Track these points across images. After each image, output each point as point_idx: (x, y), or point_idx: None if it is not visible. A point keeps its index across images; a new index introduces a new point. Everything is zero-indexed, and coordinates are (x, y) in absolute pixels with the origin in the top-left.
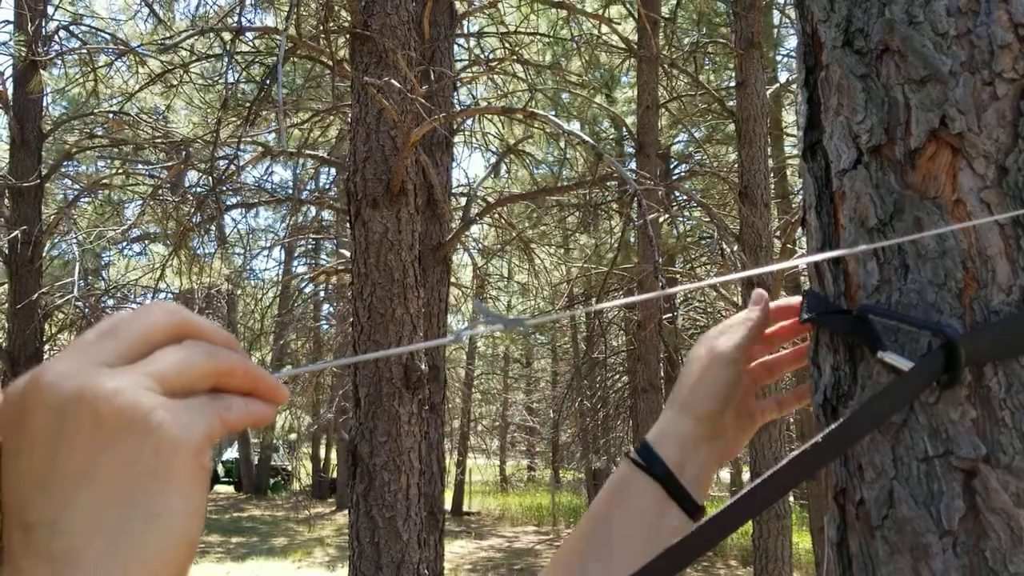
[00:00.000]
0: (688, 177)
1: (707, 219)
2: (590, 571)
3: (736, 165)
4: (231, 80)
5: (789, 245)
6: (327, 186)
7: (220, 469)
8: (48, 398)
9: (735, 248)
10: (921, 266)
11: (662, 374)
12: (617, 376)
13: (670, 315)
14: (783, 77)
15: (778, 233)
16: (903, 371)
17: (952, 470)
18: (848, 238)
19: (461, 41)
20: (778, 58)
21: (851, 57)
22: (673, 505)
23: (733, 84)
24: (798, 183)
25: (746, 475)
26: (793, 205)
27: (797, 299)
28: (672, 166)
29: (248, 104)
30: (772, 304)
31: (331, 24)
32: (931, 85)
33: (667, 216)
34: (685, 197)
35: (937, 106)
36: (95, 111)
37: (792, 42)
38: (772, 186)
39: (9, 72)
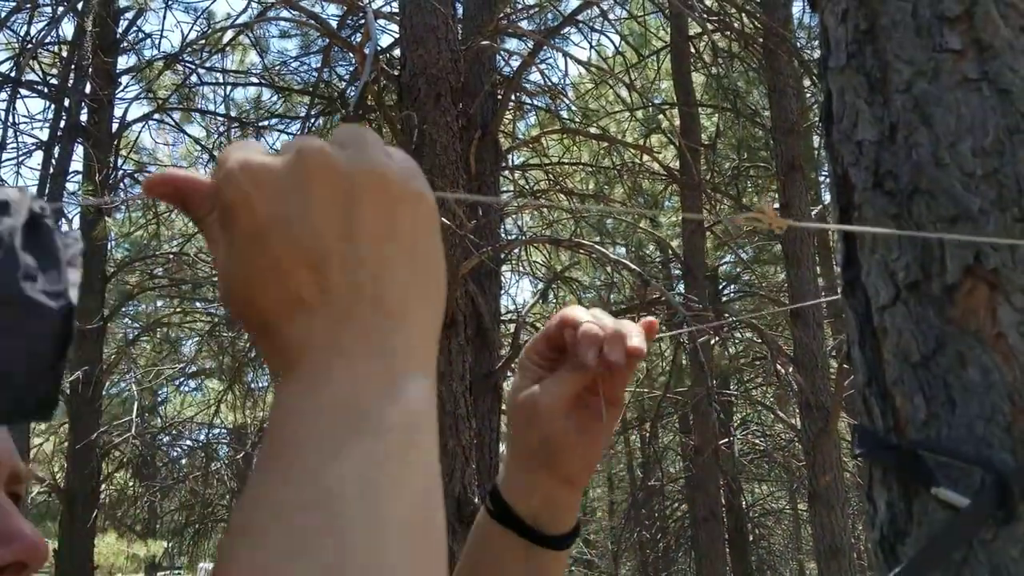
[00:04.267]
0: (738, 299)
1: (759, 340)
2: None
3: (785, 285)
4: None
5: (845, 365)
6: None
7: None
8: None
9: (790, 369)
10: (968, 400)
11: (723, 502)
12: (676, 504)
13: (727, 439)
14: (827, 198)
15: (833, 353)
16: (958, 507)
17: None
18: (893, 373)
19: (506, 174)
20: (820, 179)
21: (882, 198)
22: (526, 545)
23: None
24: None
25: None
26: None
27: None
28: (721, 287)
29: None
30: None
31: None
32: (962, 223)
33: (717, 338)
34: (735, 319)
35: (970, 243)
36: (156, 252)
37: None
38: (824, 306)
39: (77, 222)
